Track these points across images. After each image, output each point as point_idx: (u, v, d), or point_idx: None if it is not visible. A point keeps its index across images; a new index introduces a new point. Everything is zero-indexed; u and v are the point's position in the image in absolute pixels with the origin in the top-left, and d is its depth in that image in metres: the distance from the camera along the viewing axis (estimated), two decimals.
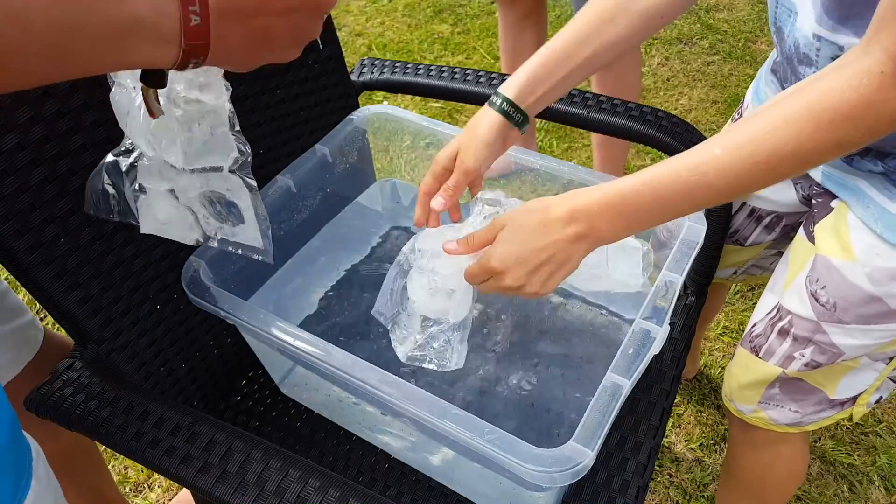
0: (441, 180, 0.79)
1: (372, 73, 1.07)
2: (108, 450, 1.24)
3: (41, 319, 1.60)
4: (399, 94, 1.95)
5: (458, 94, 1.02)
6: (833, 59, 0.65)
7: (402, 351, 0.77)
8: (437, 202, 0.77)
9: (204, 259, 0.78)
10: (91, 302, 0.72)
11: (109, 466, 1.35)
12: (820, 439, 1.39)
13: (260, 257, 0.64)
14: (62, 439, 0.92)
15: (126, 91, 0.58)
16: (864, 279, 0.72)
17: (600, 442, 0.59)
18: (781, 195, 0.90)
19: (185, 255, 0.79)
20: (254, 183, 0.61)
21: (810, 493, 1.30)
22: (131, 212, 0.65)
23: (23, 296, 1.63)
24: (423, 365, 0.76)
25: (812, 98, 0.55)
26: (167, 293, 0.81)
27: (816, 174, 0.80)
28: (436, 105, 2.26)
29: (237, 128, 0.59)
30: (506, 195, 0.78)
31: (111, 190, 0.64)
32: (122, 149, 0.65)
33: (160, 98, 0.52)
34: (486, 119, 0.77)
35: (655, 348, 0.67)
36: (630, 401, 0.88)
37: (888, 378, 0.83)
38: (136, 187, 0.62)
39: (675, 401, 1.42)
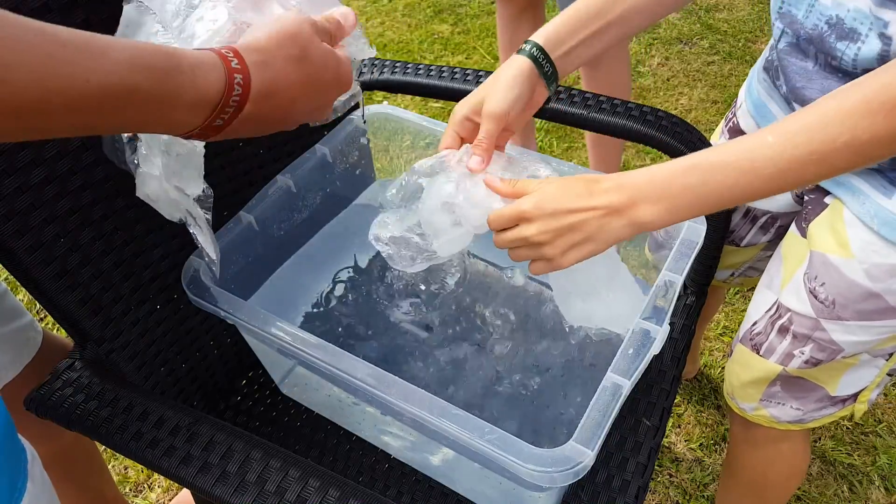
0: (462, 131, 0.73)
1: (372, 73, 1.07)
2: (108, 450, 1.24)
3: (41, 320, 1.60)
4: (399, 94, 1.95)
5: (458, 94, 1.02)
6: (880, 35, 0.64)
7: (373, 232, 0.74)
8: (475, 161, 0.69)
9: (204, 259, 0.78)
10: (91, 302, 0.72)
11: (109, 466, 1.35)
12: (820, 439, 1.39)
13: (209, 264, 0.70)
14: (62, 439, 0.92)
15: None
16: (863, 276, 0.72)
17: (600, 442, 0.59)
18: (778, 196, 0.90)
19: (185, 255, 0.79)
20: (210, 220, 0.67)
21: (810, 493, 1.30)
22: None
23: (22, 296, 1.63)
24: (381, 251, 0.74)
25: (869, 91, 0.54)
26: (167, 293, 0.81)
27: None
28: (436, 105, 2.26)
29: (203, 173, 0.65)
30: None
31: (119, 146, 0.67)
32: None
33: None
34: (513, 63, 0.72)
35: (655, 348, 0.67)
36: (630, 401, 0.88)
37: (886, 374, 0.84)
38: (136, 161, 0.65)
39: (675, 401, 1.42)
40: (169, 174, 0.62)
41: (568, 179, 0.65)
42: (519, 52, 0.73)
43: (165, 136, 0.59)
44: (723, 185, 0.59)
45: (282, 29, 0.47)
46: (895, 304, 0.73)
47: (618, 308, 0.74)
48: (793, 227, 0.83)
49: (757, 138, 0.58)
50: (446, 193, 0.70)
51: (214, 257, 0.69)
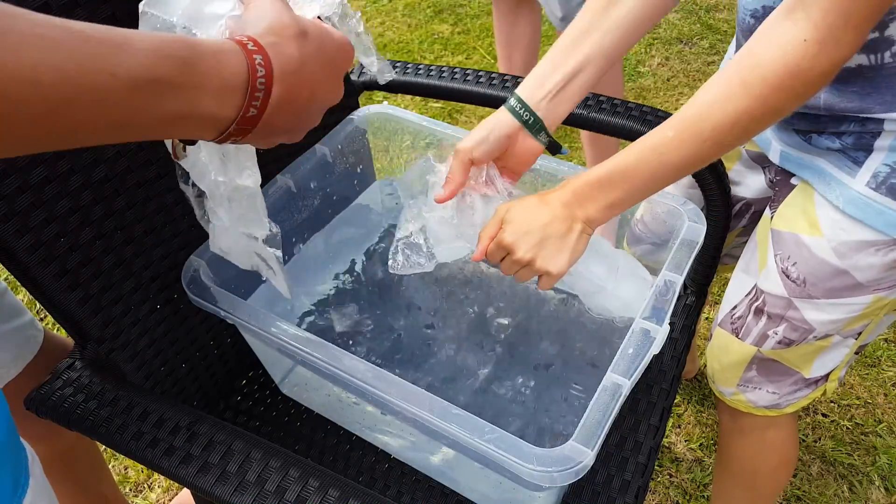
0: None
1: (372, 73, 1.07)
2: (108, 450, 1.25)
3: (41, 320, 1.60)
4: (399, 94, 1.95)
5: (458, 94, 1.02)
6: None
7: (399, 234, 0.80)
8: (438, 194, 0.76)
9: (204, 259, 0.78)
10: (91, 302, 0.72)
11: (109, 466, 1.35)
12: (820, 439, 1.39)
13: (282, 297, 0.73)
14: (64, 439, 0.92)
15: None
16: (831, 253, 0.75)
17: (600, 441, 0.59)
18: (752, 181, 0.93)
19: (185, 255, 0.79)
20: (280, 255, 0.69)
21: (810, 493, 1.30)
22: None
23: (22, 296, 1.63)
24: (398, 251, 0.80)
25: (744, 73, 0.60)
26: (167, 293, 0.81)
27: (774, 156, 0.82)
28: (436, 105, 2.26)
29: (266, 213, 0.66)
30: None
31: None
32: (190, 181, 0.67)
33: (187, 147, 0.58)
34: (496, 113, 0.77)
35: (655, 348, 0.67)
36: (630, 401, 0.88)
37: (854, 352, 0.86)
38: (206, 217, 0.68)
39: (675, 401, 1.42)
40: (234, 221, 0.65)
41: (522, 200, 0.73)
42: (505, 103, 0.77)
43: (225, 187, 0.61)
44: (642, 179, 0.67)
45: (272, 13, 0.47)
46: (862, 280, 0.75)
47: (627, 294, 0.78)
48: (766, 211, 0.85)
49: (661, 134, 0.65)
50: (449, 215, 0.78)
51: (288, 295, 0.72)
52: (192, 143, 0.50)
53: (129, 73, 0.36)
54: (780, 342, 0.83)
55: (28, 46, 0.32)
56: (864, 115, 0.69)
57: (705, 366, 1.50)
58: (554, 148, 0.79)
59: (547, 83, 0.75)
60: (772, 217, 0.82)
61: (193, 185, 0.65)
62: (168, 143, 0.59)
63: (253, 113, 0.43)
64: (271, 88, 0.43)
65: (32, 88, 0.32)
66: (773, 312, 0.82)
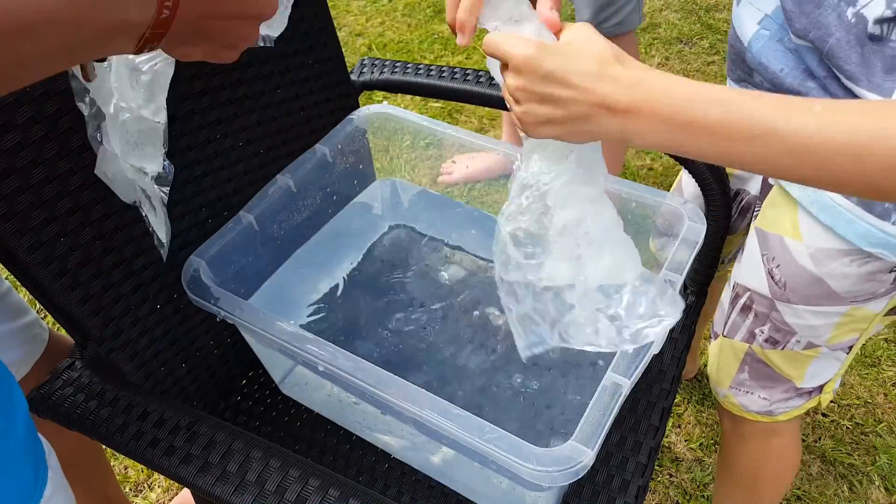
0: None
1: (372, 72, 1.07)
2: (108, 449, 1.25)
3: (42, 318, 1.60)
4: (399, 94, 1.95)
5: (458, 94, 1.02)
6: None
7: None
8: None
9: (204, 259, 0.78)
10: (91, 301, 0.72)
11: None
12: (820, 439, 1.39)
13: (158, 246, 0.71)
14: (66, 439, 0.92)
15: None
16: (808, 260, 0.75)
17: (600, 441, 0.59)
18: (756, 179, 0.93)
19: (185, 254, 0.79)
20: (165, 199, 0.67)
21: (810, 493, 1.30)
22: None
23: (23, 296, 1.63)
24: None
25: None
26: (167, 293, 0.81)
27: None
28: (436, 105, 2.26)
29: (166, 148, 0.66)
30: None
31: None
32: (87, 98, 0.65)
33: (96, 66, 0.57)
34: None
35: (655, 348, 0.67)
36: (630, 400, 0.88)
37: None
38: (98, 137, 0.66)
39: (675, 401, 1.42)
40: (127, 152, 0.63)
41: (586, 48, 0.52)
42: None
43: (126, 116, 0.60)
44: (742, 135, 0.48)
45: None
46: (837, 290, 0.74)
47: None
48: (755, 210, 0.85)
49: (804, 100, 0.48)
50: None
51: (165, 240, 0.70)
52: (102, 60, 0.51)
53: None
54: (766, 341, 0.84)
55: None
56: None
57: (706, 365, 1.51)
58: None
59: None
60: (755, 215, 0.82)
61: (92, 102, 0.63)
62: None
63: (166, 15, 0.44)
64: None
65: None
66: (759, 311, 0.83)
